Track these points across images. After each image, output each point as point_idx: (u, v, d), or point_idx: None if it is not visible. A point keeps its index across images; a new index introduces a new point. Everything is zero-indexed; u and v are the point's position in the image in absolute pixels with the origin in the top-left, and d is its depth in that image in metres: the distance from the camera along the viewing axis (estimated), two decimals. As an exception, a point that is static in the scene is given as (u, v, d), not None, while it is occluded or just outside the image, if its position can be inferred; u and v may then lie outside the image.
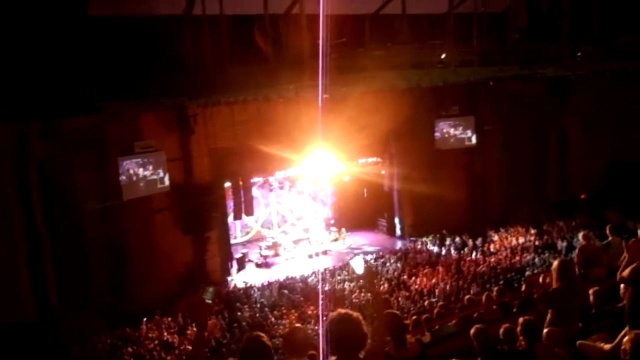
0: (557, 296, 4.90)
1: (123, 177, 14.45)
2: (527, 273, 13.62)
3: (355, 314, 2.92)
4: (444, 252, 16.98)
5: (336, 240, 20.02)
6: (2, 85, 12.13)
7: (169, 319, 13.04)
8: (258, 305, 14.00)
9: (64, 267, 13.51)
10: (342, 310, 2.95)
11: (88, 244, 13.97)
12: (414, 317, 7.81)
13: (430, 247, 17.64)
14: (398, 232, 20.08)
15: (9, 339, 11.04)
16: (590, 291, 5.57)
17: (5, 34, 12.25)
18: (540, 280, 7.35)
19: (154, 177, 15.14)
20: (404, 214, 19.87)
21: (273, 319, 12.96)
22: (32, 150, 13.06)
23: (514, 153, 19.59)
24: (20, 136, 12.84)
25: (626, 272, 4.83)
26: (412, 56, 16.06)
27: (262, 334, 3.22)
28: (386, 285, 14.48)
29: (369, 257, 17.21)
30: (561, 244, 15.99)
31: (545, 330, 4.48)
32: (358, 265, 3.64)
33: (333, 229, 20.51)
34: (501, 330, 4.67)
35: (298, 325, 3.75)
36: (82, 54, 13.11)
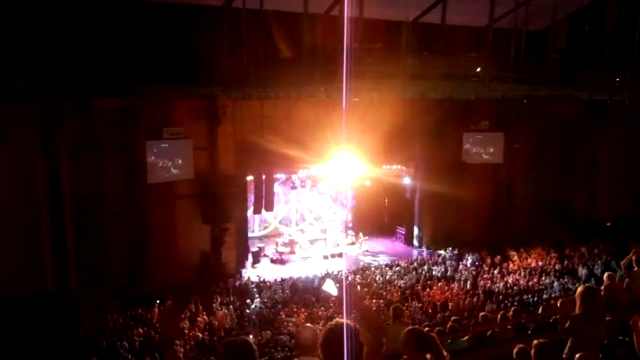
0: (579, 323, 4.77)
1: (151, 159, 14.70)
2: (545, 297, 13.38)
3: (352, 323, 2.96)
4: (461, 266, 16.79)
5: (353, 244, 19.98)
6: (39, 63, 12.42)
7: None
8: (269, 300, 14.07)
9: (85, 243, 13.78)
10: (340, 320, 2.99)
11: (110, 223, 14.22)
12: (426, 329, 7.74)
13: (448, 260, 17.46)
14: (416, 242, 19.93)
15: (27, 308, 11.32)
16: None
17: (48, 15, 12.55)
18: (559, 305, 7.19)
19: (180, 163, 15.35)
20: (424, 225, 19.71)
21: (283, 316, 13.00)
22: (64, 127, 13.34)
23: (541, 173, 19.26)
24: (53, 113, 13.10)
25: None
26: (446, 67, 15.90)
27: (248, 338, 3.27)
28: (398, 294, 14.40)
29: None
30: (582, 271, 15.67)
31: (577, 356, 4.31)
32: (331, 288, 3.69)
33: (351, 232, 20.47)
34: (515, 350, 4.59)
35: (308, 324, 3.79)
36: (122, 37, 13.35)
